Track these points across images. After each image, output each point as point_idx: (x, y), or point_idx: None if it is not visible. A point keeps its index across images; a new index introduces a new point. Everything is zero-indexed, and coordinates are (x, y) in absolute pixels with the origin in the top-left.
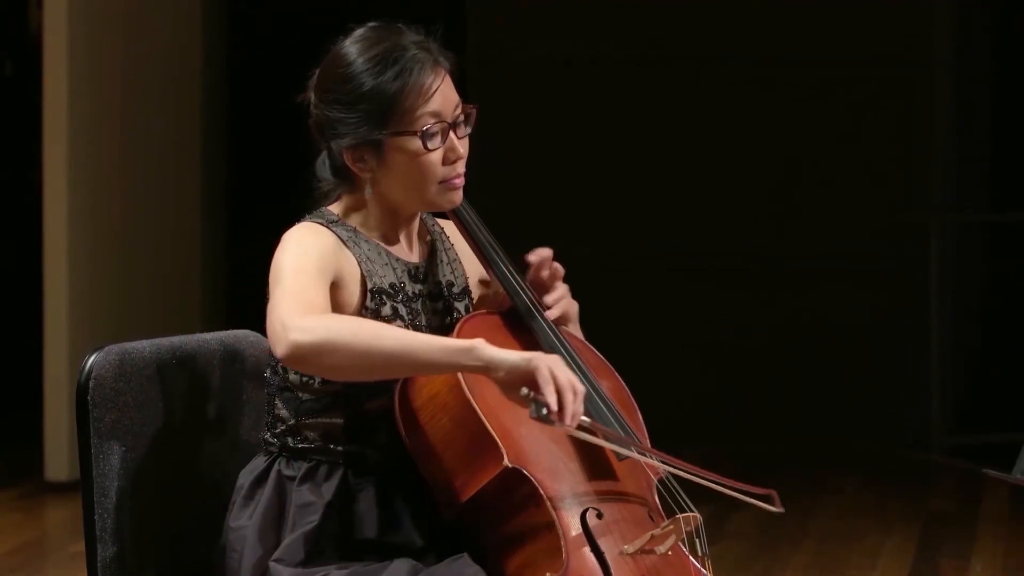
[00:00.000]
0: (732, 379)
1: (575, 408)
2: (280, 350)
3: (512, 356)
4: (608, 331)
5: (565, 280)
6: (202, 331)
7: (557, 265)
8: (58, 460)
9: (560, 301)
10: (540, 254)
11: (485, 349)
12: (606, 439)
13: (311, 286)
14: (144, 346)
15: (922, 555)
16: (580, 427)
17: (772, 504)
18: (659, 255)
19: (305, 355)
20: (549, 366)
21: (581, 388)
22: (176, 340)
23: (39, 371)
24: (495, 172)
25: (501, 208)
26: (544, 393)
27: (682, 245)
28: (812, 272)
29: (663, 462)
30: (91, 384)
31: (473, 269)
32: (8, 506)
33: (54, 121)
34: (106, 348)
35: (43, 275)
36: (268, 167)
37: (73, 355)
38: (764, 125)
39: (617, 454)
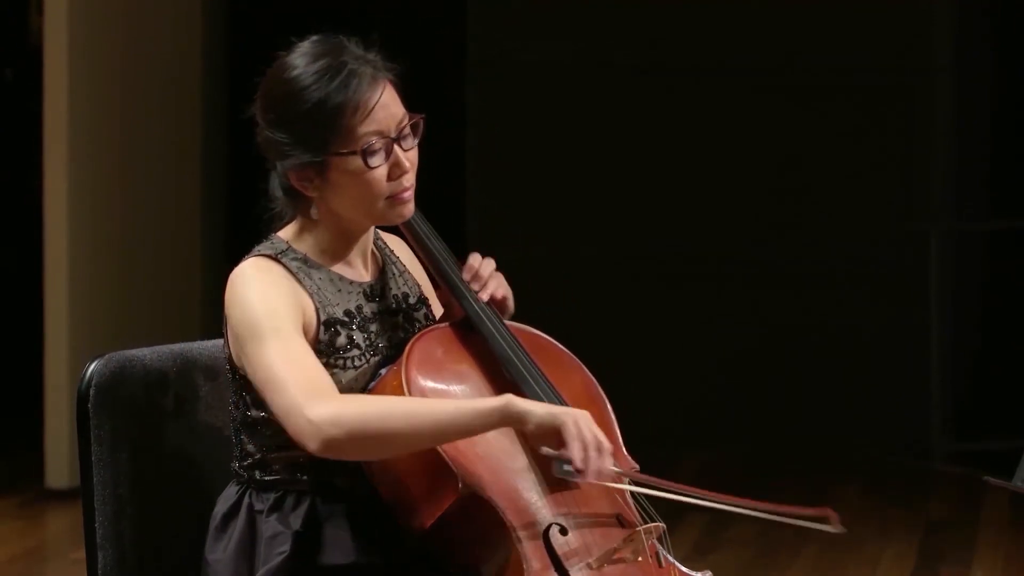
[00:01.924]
0: (732, 384)
1: (599, 465)
2: (313, 446)
3: (539, 410)
4: (609, 334)
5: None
6: (203, 338)
7: (484, 272)
8: (58, 467)
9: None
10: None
11: (516, 405)
12: (642, 486)
13: (302, 353)
14: (144, 353)
15: (922, 563)
16: (614, 480)
17: (831, 524)
18: (659, 259)
19: (341, 449)
20: (576, 421)
21: (607, 445)
22: (176, 347)
23: (39, 378)
24: (495, 173)
25: (501, 209)
26: (571, 449)
27: (682, 249)
28: (812, 278)
29: (704, 499)
30: (91, 391)
31: (422, 278)
32: (8, 513)
33: (54, 127)
34: (106, 355)
35: (43, 281)
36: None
37: (74, 362)
38: (765, 131)
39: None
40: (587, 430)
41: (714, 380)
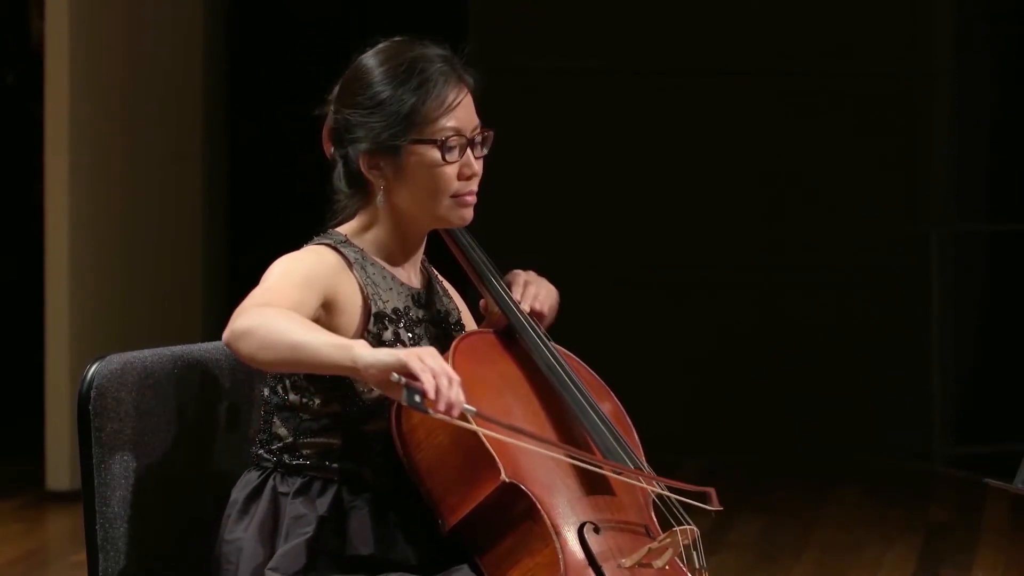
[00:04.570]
0: (734, 390)
1: (451, 395)
2: (224, 334)
3: (380, 354)
4: (609, 343)
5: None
6: (204, 340)
7: (531, 291)
8: (59, 470)
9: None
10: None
11: (357, 349)
12: (506, 429)
13: (288, 288)
14: (145, 355)
15: (923, 566)
16: (464, 417)
17: (708, 503)
18: (660, 268)
19: (235, 339)
20: (419, 355)
21: (456, 376)
22: (177, 349)
23: (40, 381)
24: (493, 180)
25: (498, 218)
26: (421, 379)
27: (682, 257)
28: (813, 280)
29: (579, 460)
30: (92, 393)
31: (461, 305)
32: (9, 516)
33: (55, 131)
34: (107, 357)
35: (44, 285)
36: (270, 179)
37: (74, 364)
38: (766, 134)
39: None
40: (435, 362)
41: (715, 383)
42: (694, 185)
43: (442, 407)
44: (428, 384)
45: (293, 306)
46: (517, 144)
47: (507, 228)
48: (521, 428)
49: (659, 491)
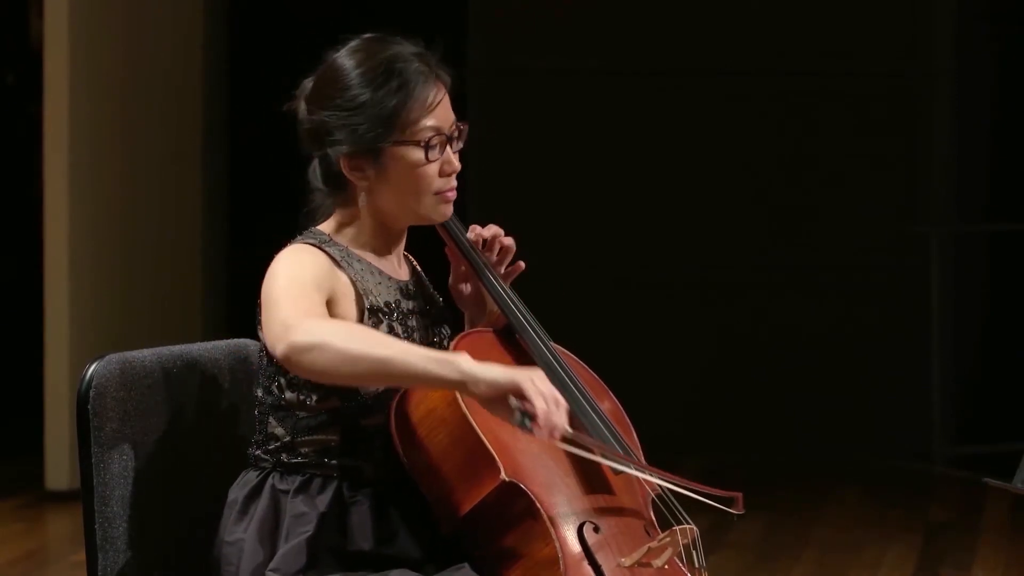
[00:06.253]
0: (734, 390)
1: (556, 420)
2: (280, 348)
3: (494, 371)
4: (609, 343)
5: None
6: (203, 339)
7: (507, 242)
8: (59, 469)
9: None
10: (479, 233)
11: (466, 362)
12: (594, 451)
13: (308, 295)
14: (145, 355)
15: (923, 566)
16: (565, 439)
17: (734, 507)
18: (660, 268)
19: (301, 354)
20: (532, 378)
21: (564, 402)
22: (177, 349)
23: (40, 380)
24: (492, 180)
25: (498, 218)
26: (534, 403)
27: (682, 258)
28: (813, 281)
29: (645, 473)
30: (92, 393)
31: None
32: (9, 516)
33: (55, 131)
34: (107, 357)
35: (44, 284)
36: (269, 178)
37: (74, 364)
38: (765, 134)
39: (613, 469)
40: (546, 386)
41: (715, 383)
42: (694, 185)
43: (546, 433)
44: (540, 409)
45: (322, 313)
46: (517, 144)
47: (507, 228)
48: (607, 452)
49: (687, 493)
